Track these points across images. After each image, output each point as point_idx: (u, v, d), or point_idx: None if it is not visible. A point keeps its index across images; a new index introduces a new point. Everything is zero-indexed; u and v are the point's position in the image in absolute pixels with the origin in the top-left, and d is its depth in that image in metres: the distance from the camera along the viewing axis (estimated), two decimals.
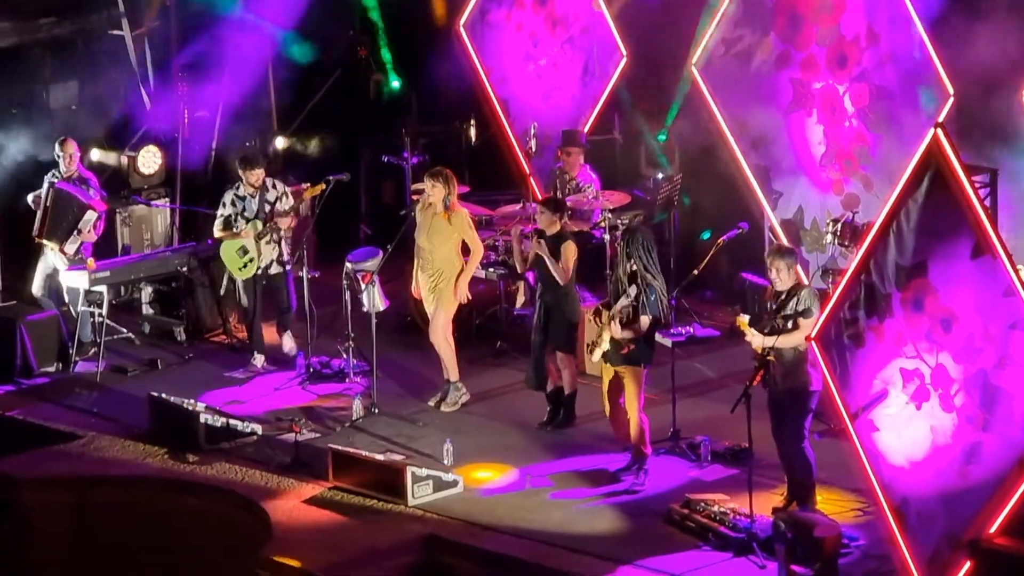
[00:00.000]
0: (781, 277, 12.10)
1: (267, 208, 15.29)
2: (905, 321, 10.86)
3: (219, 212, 15.44)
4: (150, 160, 17.98)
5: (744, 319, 12.15)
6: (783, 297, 12.08)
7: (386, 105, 19.69)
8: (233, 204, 15.35)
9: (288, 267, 15.47)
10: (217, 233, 15.46)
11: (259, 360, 15.45)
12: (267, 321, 15.68)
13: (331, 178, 15.32)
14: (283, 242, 15.41)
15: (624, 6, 17.15)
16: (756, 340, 12.02)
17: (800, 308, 11.95)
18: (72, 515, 13.38)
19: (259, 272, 15.33)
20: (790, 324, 11.93)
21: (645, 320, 12.68)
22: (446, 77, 18.52)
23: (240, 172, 15.37)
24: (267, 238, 15.25)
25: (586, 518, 12.40)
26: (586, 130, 16.97)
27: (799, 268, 14.49)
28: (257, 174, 15.31)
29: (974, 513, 10.56)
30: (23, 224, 17.81)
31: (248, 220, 15.27)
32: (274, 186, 15.40)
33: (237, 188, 15.37)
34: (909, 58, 14.01)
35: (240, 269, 15.37)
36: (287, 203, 15.35)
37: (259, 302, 15.45)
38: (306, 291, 15.24)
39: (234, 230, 15.26)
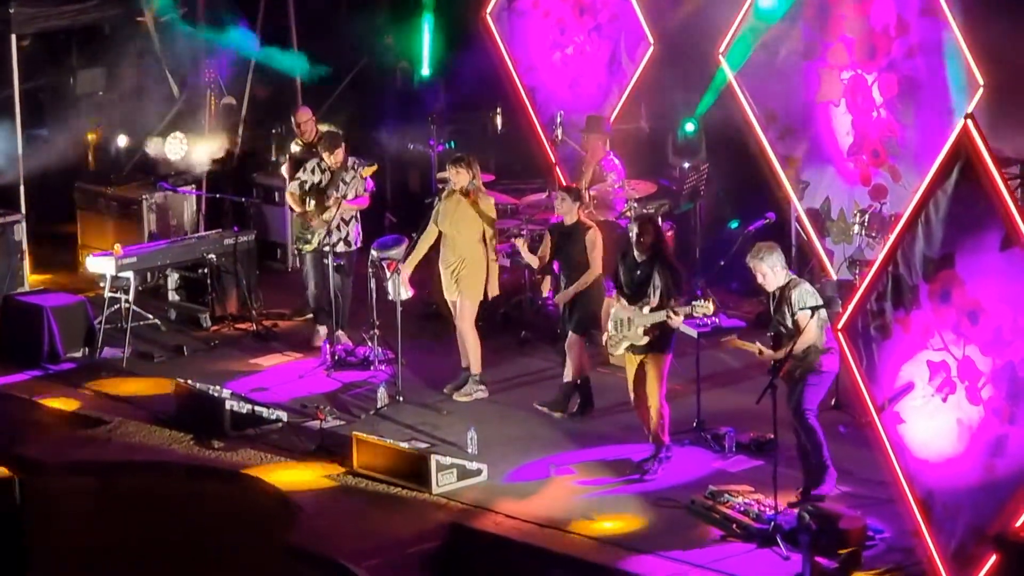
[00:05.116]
0: (767, 281, 12.06)
1: (341, 187, 15.26)
2: (932, 313, 10.81)
3: (298, 175, 15.46)
4: (177, 147, 18.01)
5: (740, 341, 12.12)
6: (778, 297, 12.04)
7: (412, 93, 19.69)
8: (312, 172, 15.35)
9: (355, 247, 15.37)
10: (288, 197, 15.45)
11: (322, 332, 15.36)
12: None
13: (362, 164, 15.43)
14: (353, 222, 15.35)
15: None
16: (769, 355, 12.00)
17: (794, 310, 11.90)
18: (97, 500, 13.42)
19: (326, 250, 15.29)
20: (791, 325, 11.90)
21: (677, 320, 12.61)
22: (472, 65, 18.51)
23: (323, 151, 15.35)
24: (330, 215, 15.15)
25: (610, 508, 12.39)
26: (612, 118, 16.94)
27: (828, 263, 14.52)
28: (339, 154, 15.30)
29: (1000, 506, 10.51)
30: (51, 212, 17.93)
31: (320, 192, 15.24)
32: (353, 167, 15.38)
33: (321, 160, 15.38)
34: (938, 48, 13.95)
35: (304, 244, 15.38)
36: (359, 186, 15.29)
37: (323, 280, 15.35)
38: (331, 278, 15.24)
39: (305, 204, 15.23)
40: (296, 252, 15.81)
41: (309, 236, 15.34)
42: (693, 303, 12.57)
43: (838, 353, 11.79)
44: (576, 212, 13.91)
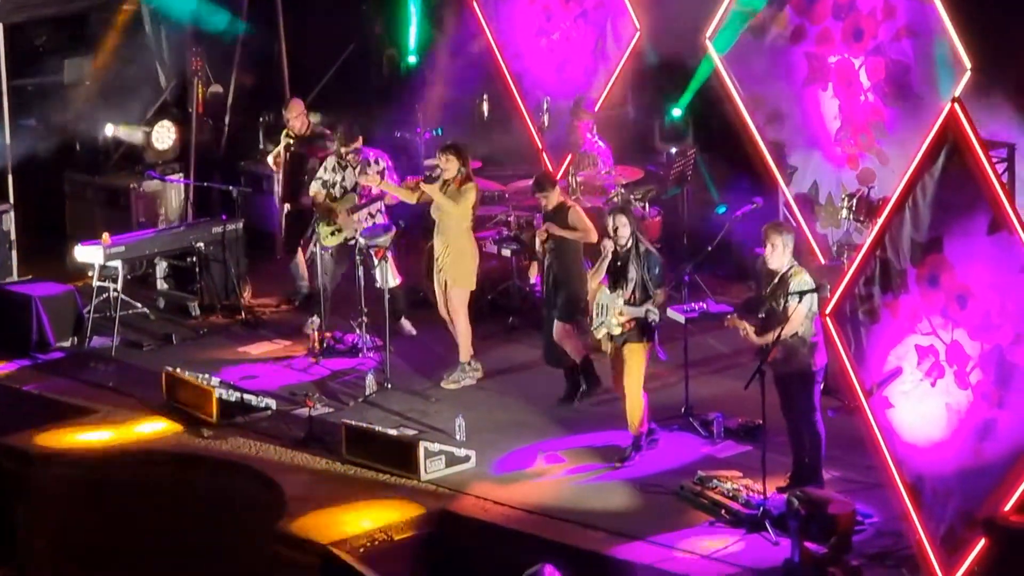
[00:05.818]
0: (775, 255, 12.03)
1: (370, 179, 15.18)
2: (920, 297, 10.82)
3: (318, 174, 15.37)
4: (164, 135, 17.99)
5: (738, 320, 12.13)
6: (776, 281, 12.02)
7: (399, 80, 19.67)
8: (334, 171, 15.28)
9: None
10: (312, 193, 15.37)
11: (316, 322, 15.22)
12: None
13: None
14: (381, 214, 15.26)
15: None
16: (753, 339, 12.00)
17: (788, 296, 11.89)
18: (86, 490, 13.40)
19: (353, 243, 15.18)
20: (782, 311, 11.89)
21: (660, 295, 12.66)
22: (459, 52, 18.50)
23: (339, 145, 15.29)
24: (360, 212, 15.12)
25: (598, 494, 12.39)
26: (599, 104, 16.92)
27: (817, 249, 14.51)
28: (354, 148, 15.24)
29: (989, 490, 10.52)
30: (40, 200, 17.89)
31: (346, 190, 15.21)
32: (376, 161, 15.30)
33: (342, 158, 15.29)
34: (926, 31, 13.95)
35: (328, 236, 15.31)
36: (385, 179, 15.14)
37: (336, 271, 15.28)
38: (319, 266, 15.22)
39: (333, 196, 15.18)
40: (315, 244, 15.65)
41: (334, 230, 15.22)
42: (647, 306, 12.57)
43: (823, 346, 11.80)
44: (556, 196, 13.87)
